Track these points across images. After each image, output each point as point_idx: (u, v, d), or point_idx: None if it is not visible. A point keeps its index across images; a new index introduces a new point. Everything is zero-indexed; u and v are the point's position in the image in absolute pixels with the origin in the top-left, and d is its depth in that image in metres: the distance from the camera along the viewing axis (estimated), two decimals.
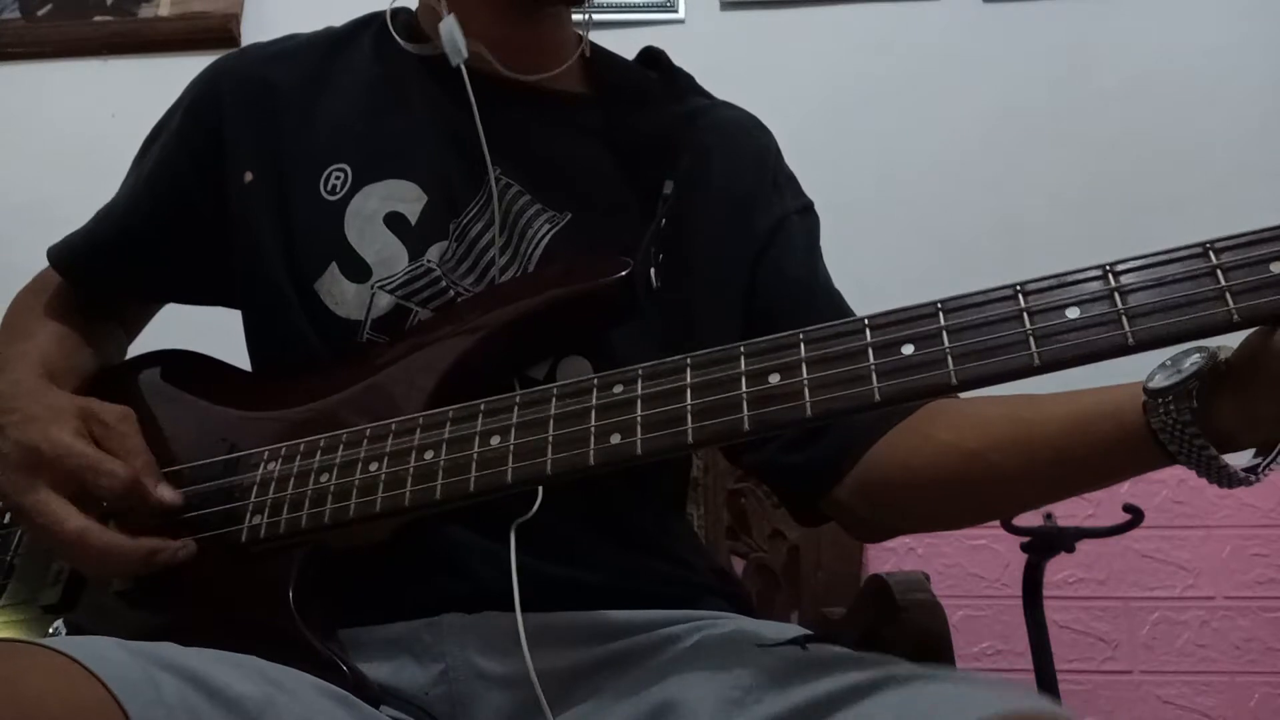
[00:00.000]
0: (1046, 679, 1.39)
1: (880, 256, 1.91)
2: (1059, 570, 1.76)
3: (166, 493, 0.79)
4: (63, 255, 1.01)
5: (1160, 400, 0.62)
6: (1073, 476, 0.73)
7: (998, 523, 1.36)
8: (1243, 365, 0.60)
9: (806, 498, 0.89)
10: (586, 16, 0.95)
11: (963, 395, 0.74)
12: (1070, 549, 1.36)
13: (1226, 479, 0.63)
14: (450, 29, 0.88)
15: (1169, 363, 0.62)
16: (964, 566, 1.84)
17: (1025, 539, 1.37)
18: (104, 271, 0.99)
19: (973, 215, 1.97)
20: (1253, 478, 0.62)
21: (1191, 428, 0.61)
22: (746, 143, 0.99)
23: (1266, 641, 1.77)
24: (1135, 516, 1.29)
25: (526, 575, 0.73)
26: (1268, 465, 0.62)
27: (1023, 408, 0.75)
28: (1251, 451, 0.63)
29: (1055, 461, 0.72)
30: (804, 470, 0.86)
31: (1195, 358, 0.61)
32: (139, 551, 0.77)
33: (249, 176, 0.90)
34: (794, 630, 0.78)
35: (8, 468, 0.79)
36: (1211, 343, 0.60)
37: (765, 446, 0.88)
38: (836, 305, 0.95)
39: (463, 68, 0.87)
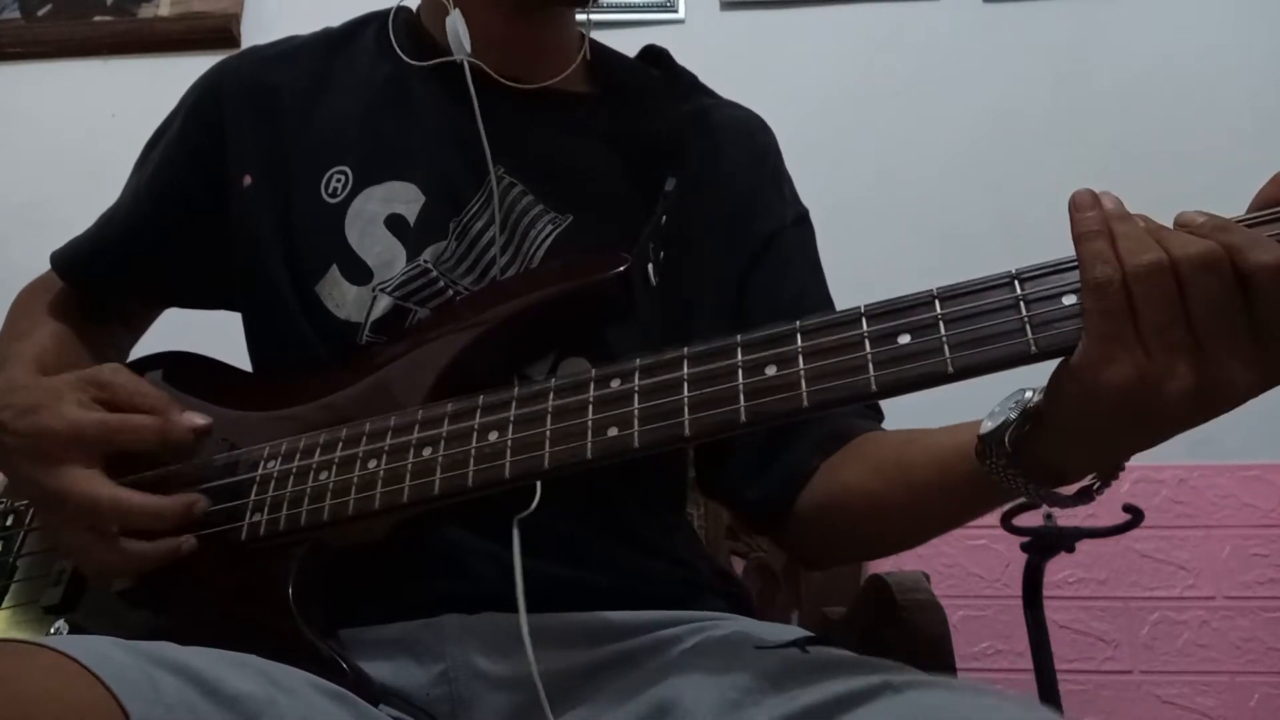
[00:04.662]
0: (1046, 679, 1.39)
1: (880, 256, 1.91)
2: (1059, 570, 1.76)
3: (195, 418, 0.80)
4: (66, 260, 1.01)
5: (984, 445, 0.64)
6: (945, 512, 0.78)
7: (998, 522, 1.36)
8: (1050, 405, 0.61)
9: (764, 529, 0.99)
10: (588, 17, 0.95)
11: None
12: (1070, 549, 1.36)
13: (1062, 503, 0.65)
14: (455, 24, 0.88)
15: (997, 407, 0.64)
16: (964, 566, 1.83)
17: (1025, 539, 1.37)
18: (107, 276, 0.99)
19: (973, 215, 1.97)
20: (1086, 500, 0.65)
21: (1010, 470, 0.64)
22: (748, 143, 0.99)
23: (1266, 641, 1.76)
24: (1135, 516, 1.29)
25: (527, 575, 0.72)
26: (1100, 489, 0.65)
27: (908, 447, 0.79)
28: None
29: (934, 499, 0.76)
30: (759, 505, 0.90)
31: (1011, 402, 0.63)
32: (179, 505, 0.77)
33: (249, 180, 0.90)
34: (794, 632, 0.78)
35: (24, 461, 0.79)
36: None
37: (724, 478, 0.93)
38: None
39: (465, 65, 0.87)
